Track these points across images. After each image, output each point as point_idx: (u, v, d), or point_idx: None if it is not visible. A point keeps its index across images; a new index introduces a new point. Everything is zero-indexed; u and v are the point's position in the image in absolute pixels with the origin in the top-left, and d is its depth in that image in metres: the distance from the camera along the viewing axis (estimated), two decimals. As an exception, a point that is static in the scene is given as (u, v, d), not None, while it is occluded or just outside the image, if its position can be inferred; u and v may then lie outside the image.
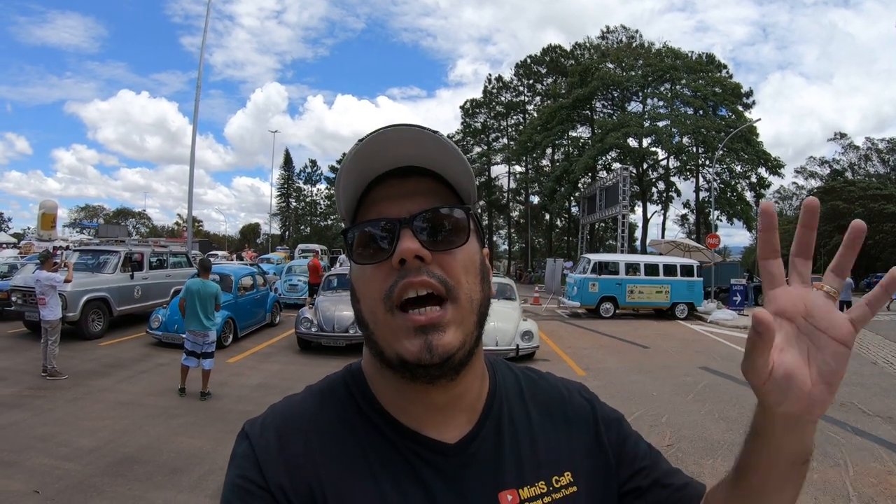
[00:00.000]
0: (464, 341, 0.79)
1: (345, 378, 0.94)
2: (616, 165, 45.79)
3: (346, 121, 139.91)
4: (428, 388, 0.82)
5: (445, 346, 0.77)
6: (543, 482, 0.89)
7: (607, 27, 58.91)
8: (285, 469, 0.81)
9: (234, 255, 35.98)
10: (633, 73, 50.43)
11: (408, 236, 0.78)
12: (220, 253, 41.76)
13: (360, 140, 0.82)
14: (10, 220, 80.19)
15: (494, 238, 71.11)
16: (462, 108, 65.75)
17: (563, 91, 54.09)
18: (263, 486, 0.80)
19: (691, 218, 57.84)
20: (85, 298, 12.25)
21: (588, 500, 0.91)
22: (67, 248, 20.44)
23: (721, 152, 40.58)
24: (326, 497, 0.80)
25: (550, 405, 0.99)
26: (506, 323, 11.48)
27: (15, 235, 49.10)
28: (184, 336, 9.34)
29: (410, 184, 0.84)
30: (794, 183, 73.08)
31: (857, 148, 66.30)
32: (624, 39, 56.92)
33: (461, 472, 0.85)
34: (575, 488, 0.90)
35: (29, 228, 42.24)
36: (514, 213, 69.39)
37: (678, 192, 54.70)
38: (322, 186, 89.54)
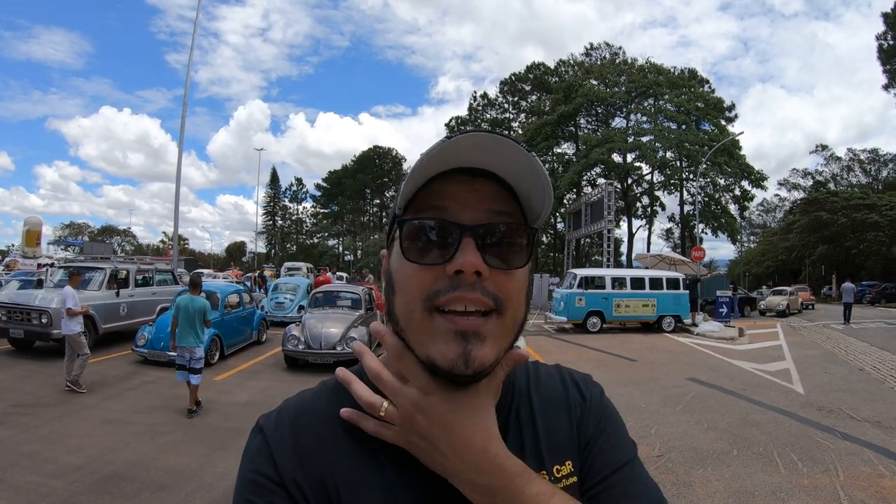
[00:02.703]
0: (498, 356, 0.77)
1: (361, 372, 0.91)
2: (601, 181, 46.12)
3: (328, 138, 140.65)
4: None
5: (482, 358, 0.75)
6: (545, 472, 0.88)
7: (591, 44, 59.62)
8: (299, 463, 0.81)
9: (257, 274, 34.82)
10: (617, 90, 50.99)
11: (470, 247, 0.75)
12: (205, 271, 41.41)
13: (447, 137, 0.75)
14: (-7, 236, 79.35)
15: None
16: (447, 125, 66.16)
17: (548, 108, 54.50)
18: (278, 480, 0.80)
19: (676, 231, 58.34)
20: (70, 316, 12.09)
21: None
22: (52, 265, 20.23)
23: (704, 166, 41.00)
24: (339, 490, 0.80)
25: (553, 396, 0.98)
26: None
27: (-1, 252, 48.67)
28: (169, 354, 9.52)
29: (479, 184, 0.80)
30: (777, 195, 73.97)
31: (839, 159, 67.40)
32: (607, 56, 57.61)
33: None
34: (576, 478, 0.90)
35: (13, 245, 41.82)
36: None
37: (663, 207, 55.31)
38: (308, 205, 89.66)
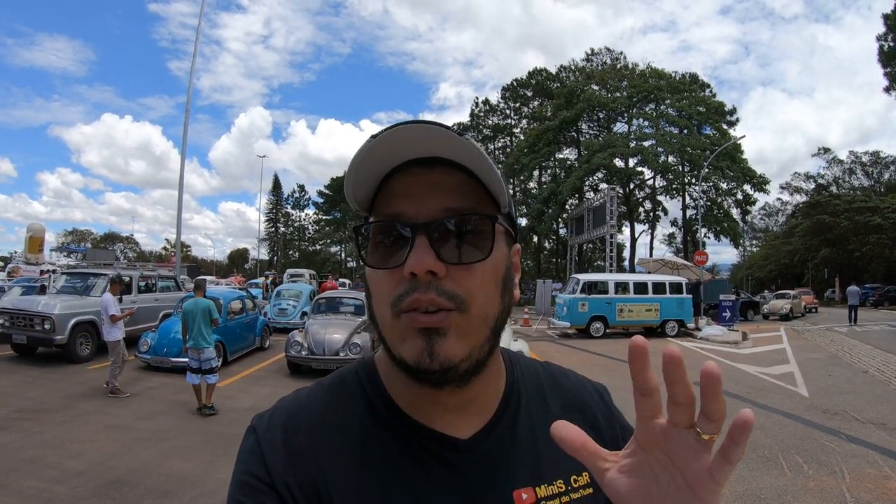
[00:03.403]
0: (469, 353, 0.75)
1: (356, 371, 0.91)
2: (603, 186, 46.03)
3: (330, 145, 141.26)
4: (437, 390, 0.78)
5: (447, 353, 0.72)
6: (561, 480, 0.85)
7: (592, 49, 59.59)
8: (290, 465, 0.79)
9: (269, 280, 34.81)
10: (618, 95, 50.95)
11: (422, 246, 0.72)
12: (208, 278, 41.56)
13: (374, 136, 0.73)
14: (-4, 243, 79.40)
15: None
16: (450, 130, 65.98)
17: (550, 113, 54.46)
18: (269, 482, 0.78)
19: (679, 236, 58.28)
20: (73, 322, 12.12)
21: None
22: (55, 271, 20.26)
23: (706, 170, 40.93)
24: (332, 493, 0.77)
25: (572, 401, 0.96)
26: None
27: (2, 259, 48.73)
28: (172, 360, 10.60)
29: (436, 175, 0.76)
30: (779, 199, 73.90)
31: (841, 162, 67.30)
32: (608, 61, 57.64)
33: (474, 469, 0.82)
34: (591, 490, 0.87)
35: (15, 252, 41.97)
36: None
37: (665, 211, 55.18)
38: (310, 211, 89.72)
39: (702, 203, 40.87)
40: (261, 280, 36.80)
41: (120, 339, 9.89)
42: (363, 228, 0.79)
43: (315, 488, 0.78)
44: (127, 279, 14.38)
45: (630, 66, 55.47)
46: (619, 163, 49.47)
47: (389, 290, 0.75)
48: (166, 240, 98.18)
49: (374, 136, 0.73)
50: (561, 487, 0.85)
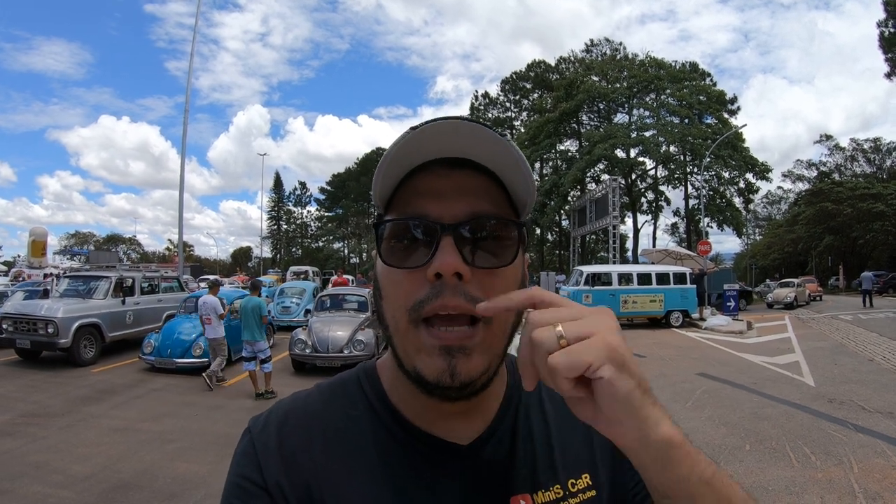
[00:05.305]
0: (488, 367, 0.74)
1: (358, 375, 0.90)
2: (605, 177, 46.05)
3: (329, 142, 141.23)
4: (443, 402, 0.77)
5: (470, 371, 0.71)
6: (559, 486, 0.84)
7: (591, 40, 59.66)
8: (284, 467, 0.79)
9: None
10: (619, 85, 50.97)
11: (449, 247, 0.70)
12: (210, 277, 41.76)
13: (413, 128, 0.71)
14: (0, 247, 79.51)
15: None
16: (449, 125, 66.08)
17: (550, 105, 54.48)
18: (262, 485, 0.77)
19: (681, 226, 58.08)
20: (76, 325, 12.10)
21: None
22: (59, 275, 20.29)
23: (708, 159, 40.89)
24: (325, 496, 0.77)
25: None
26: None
27: (5, 263, 48.89)
28: (177, 361, 11.46)
29: (460, 177, 0.75)
30: (780, 187, 73.61)
31: (842, 149, 66.85)
32: (608, 52, 57.56)
33: (472, 476, 0.81)
34: (594, 492, 0.85)
35: (19, 256, 42.19)
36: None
37: (668, 201, 55.18)
38: (312, 208, 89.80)
39: (704, 192, 40.87)
40: (267, 278, 36.93)
41: (224, 335, 10.85)
42: (382, 226, 0.76)
43: (308, 492, 0.77)
44: (129, 281, 14.41)
45: (630, 56, 55.41)
46: (620, 153, 49.46)
47: (407, 294, 0.72)
48: (169, 240, 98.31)
49: (413, 128, 0.71)
50: (559, 492, 0.84)
